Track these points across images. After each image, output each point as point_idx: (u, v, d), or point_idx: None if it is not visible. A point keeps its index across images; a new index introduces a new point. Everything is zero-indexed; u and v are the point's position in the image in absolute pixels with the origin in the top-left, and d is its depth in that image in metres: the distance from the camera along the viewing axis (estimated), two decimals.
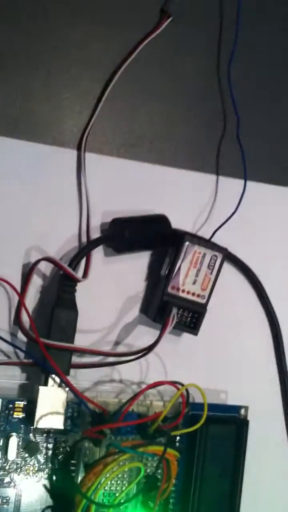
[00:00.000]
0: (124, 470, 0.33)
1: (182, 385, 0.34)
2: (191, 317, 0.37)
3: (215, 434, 0.37)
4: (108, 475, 0.31)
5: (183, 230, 0.38)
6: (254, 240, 0.41)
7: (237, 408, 0.39)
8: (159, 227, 0.37)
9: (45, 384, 0.34)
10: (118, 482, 0.35)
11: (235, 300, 0.41)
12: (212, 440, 0.37)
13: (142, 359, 0.36)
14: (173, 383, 0.34)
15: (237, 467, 0.37)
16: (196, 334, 0.37)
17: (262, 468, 0.40)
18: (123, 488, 0.34)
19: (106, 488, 0.34)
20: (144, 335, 0.38)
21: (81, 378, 0.36)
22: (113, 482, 0.34)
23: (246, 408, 0.39)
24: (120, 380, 0.38)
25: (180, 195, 0.40)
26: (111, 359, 0.36)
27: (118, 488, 0.34)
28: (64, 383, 0.34)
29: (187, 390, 0.35)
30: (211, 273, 0.37)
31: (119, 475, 0.34)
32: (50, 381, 0.34)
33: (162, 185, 0.39)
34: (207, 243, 0.37)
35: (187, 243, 0.36)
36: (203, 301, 0.37)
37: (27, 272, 0.35)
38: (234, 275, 0.41)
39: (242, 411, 0.39)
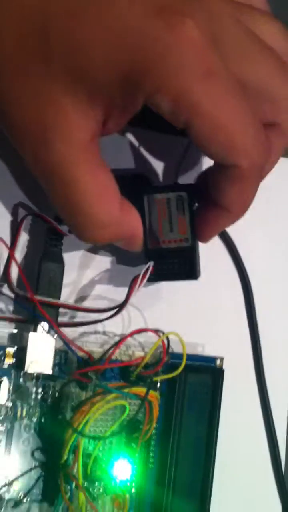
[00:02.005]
0: (110, 408, 0.35)
1: (163, 333, 0.37)
2: (184, 263, 0.37)
3: (193, 382, 0.39)
4: (94, 414, 0.34)
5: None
6: None
7: (213, 359, 0.41)
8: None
9: (35, 331, 0.36)
10: (103, 424, 0.37)
11: (209, 258, 0.42)
12: (190, 387, 0.39)
13: (124, 313, 0.38)
14: (155, 330, 0.37)
15: (214, 412, 0.40)
16: (196, 278, 0.37)
17: (237, 413, 0.43)
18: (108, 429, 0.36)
19: (92, 429, 0.36)
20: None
21: (67, 330, 0.38)
22: (98, 423, 0.37)
23: (222, 358, 0.41)
24: (103, 332, 0.40)
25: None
26: (93, 316, 0.38)
27: (103, 430, 0.37)
28: (53, 329, 0.35)
29: (167, 339, 0.37)
30: (183, 214, 0.36)
31: (105, 416, 0.36)
32: (40, 329, 0.36)
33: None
34: (166, 187, 0.37)
35: (145, 197, 0.36)
36: (188, 243, 0.36)
37: (16, 227, 0.37)
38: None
39: (218, 362, 0.41)
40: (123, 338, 0.36)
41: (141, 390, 0.35)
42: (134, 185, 0.38)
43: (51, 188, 0.32)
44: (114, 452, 0.37)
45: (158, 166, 0.41)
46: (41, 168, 0.31)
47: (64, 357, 0.37)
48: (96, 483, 0.36)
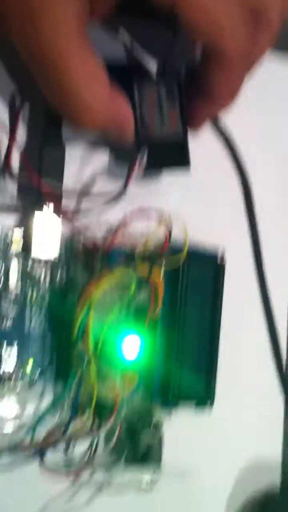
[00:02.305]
0: (116, 282, 0.36)
1: (165, 215, 0.38)
2: (176, 153, 0.38)
3: (195, 272, 0.40)
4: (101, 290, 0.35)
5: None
6: None
7: (214, 251, 0.42)
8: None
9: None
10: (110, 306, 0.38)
11: (202, 149, 0.42)
12: (192, 277, 0.40)
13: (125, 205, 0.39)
14: (157, 213, 0.38)
15: (216, 300, 0.41)
16: (188, 165, 0.38)
17: (237, 304, 0.45)
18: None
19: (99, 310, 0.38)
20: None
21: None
22: (105, 306, 0.38)
23: (223, 250, 0.43)
24: (108, 224, 0.40)
25: None
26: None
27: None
28: (58, 213, 0.37)
29: (170, 223, 0.38)
30: (173, 102, 0.37)
31: (111, 297, 0.38)
32: (45, 210, 0.36)
33: None
34: (155, 76, 0.38)
35: (135, 86, 0.37)
36: (179, 132, 0.37)
37: (15, 115, 0.37)
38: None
39: (219, 252, 0.43)
40: (125, 218, 0.37)
41: (145, 269, 0.36)
42: (123, 76, 0.37)
43: (42, 76, 0.33)
44: (122, 332, 0.38)
45: (146, 58, 0.42)
46: (31, 55, 0.32)
47: (70, 243, 0.38)
48: (106, 362, 0.37)
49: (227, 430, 0.44)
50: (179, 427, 0.41)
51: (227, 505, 0.45)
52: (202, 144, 0.42)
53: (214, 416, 0.42)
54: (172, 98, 0.37)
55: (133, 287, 0.36)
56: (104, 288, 0.35)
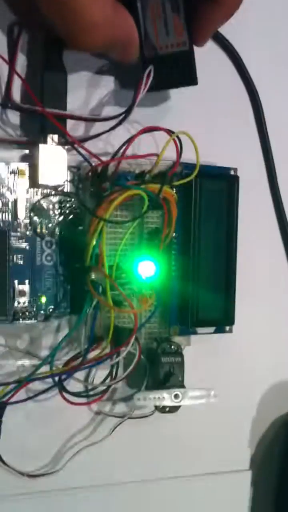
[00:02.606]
0: (128, 201, 0.35)
1: (174, 132, 0.36)
2: (183, 68, 0.36)
3: (208, 188, 0.39)
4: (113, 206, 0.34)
5: None
6: None
7: (227, 169, 0.41)
8: None
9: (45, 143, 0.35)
10: (122, 232, 0.37)
11: (212, 71, 0.41)
12: (206, 193, 0.39)
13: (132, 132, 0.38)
14: (166, 130, 0.36)
15: (231, 218, 0.40)
16: (195, 83, 0.36)
17: (252, 220, 0.43)
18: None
19: (110, 236, 0.36)
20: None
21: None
22: (117, 233, 0.37)
23: (235, 169, 0.41)
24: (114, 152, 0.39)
25: None
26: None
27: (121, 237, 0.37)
28: (63, 137, 0.35)
29: (178, 138, 0.36)
30: (179, 15, 0.35)
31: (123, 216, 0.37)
32: (49, 141, 0.35)
33: None
34: None
35: (138, 0, 0.35)
36: (186, 47, 0.36)
37: (14, 40, 0.36)
38: (209, 46, 0.41)
39: (232, 172, 0.41)
40: (134, 135, 0.35)
41: (157, 187, 0.35)
42: None
43: None
44: (137, 256, 0.37)
45: None
46: None
47: (77, 173, 0.37)
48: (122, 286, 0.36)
49: (249, 353, 0.44)
50: (199, 352, 0.41)
51: (252, 427, 0.45)
52: (209, 61, 0.41)
53: (234, 339, 0.41)
54: (176, 7, 0.35)
55: (145, 207, 0.34)
56: (114, 209, 0.34)
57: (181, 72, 0.36)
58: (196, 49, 0.37)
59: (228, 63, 0.43)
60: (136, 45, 0.35)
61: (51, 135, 0.35)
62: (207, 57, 0.40)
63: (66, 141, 0.35)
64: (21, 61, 0.36)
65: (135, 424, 0.40)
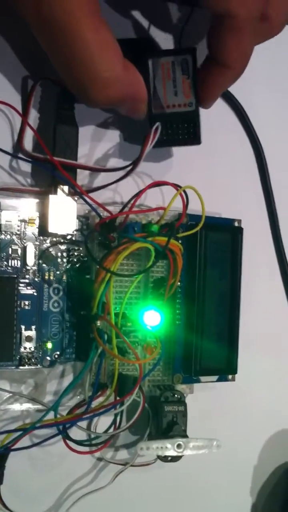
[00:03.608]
0: (134, 252, 0.35)
1: (181, 186, 0.37)
2: (188, 128, 0.38)
3: (213, 239, 0.40)
4: (120, 258, 0.34)
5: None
6: None
7: (231, 220, 0.42)
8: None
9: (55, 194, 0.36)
10: (128, 283, 0.38)
11: (217, 125, 0.43)
12: (211, 245, 0.40)
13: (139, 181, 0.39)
14: (174, 184, 0.37)
15: (235, 269, 0.41)
16: (199, 142, 0.38)
17: (255, 271, 0.44)
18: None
19: (116, 284, 0.37)
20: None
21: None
22: (123, 282, 0.38)
23: (239, 220, 0.42)
24: (121, 202, 0.40)
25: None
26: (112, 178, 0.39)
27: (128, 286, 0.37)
28: (73, 189, 0.36)
29: (185, 192, 0.37)
30: (188, 78, 0.37)
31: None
32: (60, 192, 0.36)
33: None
34: (170, 51, 0.37)
35: (149, 60, 0.37)
36: (192, 108, 0.37)
37: (28, 93, 0.37)
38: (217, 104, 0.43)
39: (236, 223, 0.42)
40: (142, 190, 0.36)
41: (164, 239, 0.35)
42: (137, 49, 0.37)
43: (55, 48, 0.32)
44: (143, 305, 0.38)
45: (161, 33, 0.41)
46: (45, 27, 0.31)
47: (85, 223, 0.38)
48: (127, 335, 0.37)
49: (251, 402, 0.44)
50: (202, 400, 0.41)
51: (254, 474, 0.45)
52: (214, 114, 0.42)
53: (237, 387, 0.42)
54: (186, 69, 0.37)
55: (151, 259, 0.35)
56: (122, 260, 0.34)
57: (186, 132, 0.38)
58: None
59: (232, 116, 0.44)
60: (145, 102, 0.36)
61: (61, 186, 0.36)
62: (212, 111, 0.41)
63: (75, 191, 0.36)
64: (34, 112, 0.38)
65: (137, 471, 0.40)
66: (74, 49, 0.32)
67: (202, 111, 0.38)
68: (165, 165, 0.42)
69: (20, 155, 0.37)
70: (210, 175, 0.43)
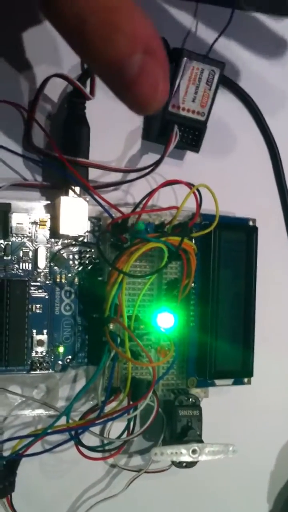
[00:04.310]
0: (147, 253, 0.35)
1: (194, 185, 0.36)
2: (192, 135, 0.39)
3: (227, 239, 0.39)
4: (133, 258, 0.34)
5: (181, 47, 0.39)
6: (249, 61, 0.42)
7: (245, 219, 0.41)
8: None
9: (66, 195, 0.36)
10: (141, 284, 0.37)
11: (232, 124, 0.42)
12: (225, 244, 0.39)
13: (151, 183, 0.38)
14: (187, 183, 0.36)
15: (250, 269, 0.40)
16: (197, 151, 0.39)
17: (270, 271, 0.43)
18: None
19: (129, 287, 0.36)
20: (148, 159, 0.39)
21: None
22: (136, 284, 0.37)
23: (254, 220, 0.41)
24: (133, 203, 0.39)
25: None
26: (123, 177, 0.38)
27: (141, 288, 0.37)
28: (84, 189, 0.35)
29: (198, 191, 0.37)
30: (209, 89, 0.38)
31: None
32: (71, 193, 0.36)
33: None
34: (205, 58, 0.38)
35: (185, 58, 0.37)
36: (203, 118, 0.38)
37: (37, 90, 0.36)
38: (230, 100, 0.42)
39: (250, 222, 0.41)
40: (155, 189, 0.35)
41: (177, 239, 0.35)
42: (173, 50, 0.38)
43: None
44: (156, 307, 0.37)
45: (192, 36, 0.41)
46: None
47: (97, 224, 0.37)
48: (140, 338, 0.36)
49: (268, 406, 0.43)
50: (217, 404, 0.40)
51: (270, 481, 0.44)
52: (228, 112, 0.42)
53: (253, 391, 0.41)
54: (211, 82, 0.38)
55: (165, 259, 0.34)
56: (134, 261, 0.34)
57: (190, 138, 0.39)
58: (217, 100, 0.38)
59: (246, 114, 0.43)
60: (166, 92, 0.32)
61: (72, 187, 0.36)
62: (225, 109, 0.41)
63: (86, 192, 0.35)
64: (44, 109, 0.37)
65: (151, 478, 0.39)
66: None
67: (216, 106, 0.38)
68: (177, 164, 0.41)
69: (30, 155, 0.37)
70: (223, 174, 0.42)
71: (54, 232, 0.36)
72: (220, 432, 0.39)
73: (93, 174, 0.38)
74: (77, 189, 0.36)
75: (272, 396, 0.43)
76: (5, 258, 0.35)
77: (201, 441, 0.37)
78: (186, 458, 0.36)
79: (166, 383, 0.39)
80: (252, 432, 0.43)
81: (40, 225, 0.36)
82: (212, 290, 0.38)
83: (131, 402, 0.35)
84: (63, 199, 0.35)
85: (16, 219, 0.36)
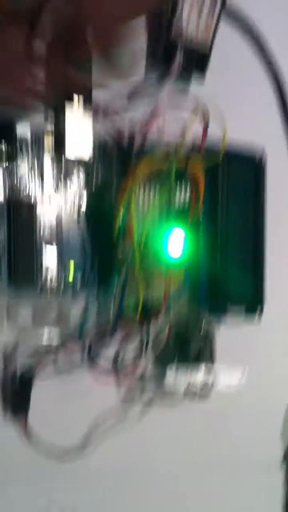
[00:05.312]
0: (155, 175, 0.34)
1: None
2: (197, 61, 0.38)
3: (235, 173, 0.39)
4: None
5: None
6: None
7: (253, 151, 0.41)
8: None
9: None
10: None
11: (235, 59, 0.42)
12: (233, 179, 0.39)
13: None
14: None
15: (259, 200, 0.40)
16: (203, 76, 0.38)
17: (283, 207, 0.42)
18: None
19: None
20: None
21: None
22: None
23: (263, 149, 0.41)
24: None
25: None
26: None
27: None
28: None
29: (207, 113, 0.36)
30: (212, 15, 0.37)
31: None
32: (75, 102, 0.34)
33: None
34: None
35: None
36: (207, 44, 0.37)
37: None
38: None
39: (258, 155, 0.41)
40: (160, 107, 0.35)
41: (184, 158, 0.34)
42: None
43: None
44: (165, 228, 0.36)
45: None
46: None
47: (103, 146, 0.36)
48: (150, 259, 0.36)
49: (281, 334, 0.42)
50: (229, 332, 0.40)
51: (285, 418, 0.44)
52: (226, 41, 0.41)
53: (265, 322, 0.40)
54: (213, 8, 0.37)
55: (172, 177, 0.34)
56: (142, 177, 0.33)
57: (196, 63, 0.38)
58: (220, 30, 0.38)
59: (248, 44, 0.43)
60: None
61: (76, 98, 0.34)
62: (224, 36, 0.40)
63: (91, 108, 0.34)
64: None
65: (164, 412, 0.38)
66: None
67: (220, 36, 0.37)
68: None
69: None
70: (228, 103, 0.41)
71: (59, 148, 0.34)
72: (233, 360, 0.39)
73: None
74: (81, 100, 0.34)
75: (285, 325, 0.43)
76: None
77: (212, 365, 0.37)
78: (200, 378, 0.36)
79: (178, 311, 0.38)
80: (265, 363, 0.42)
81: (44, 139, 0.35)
82: (221, 217, 0.38)
83: (143, 322, 0.35)
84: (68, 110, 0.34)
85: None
